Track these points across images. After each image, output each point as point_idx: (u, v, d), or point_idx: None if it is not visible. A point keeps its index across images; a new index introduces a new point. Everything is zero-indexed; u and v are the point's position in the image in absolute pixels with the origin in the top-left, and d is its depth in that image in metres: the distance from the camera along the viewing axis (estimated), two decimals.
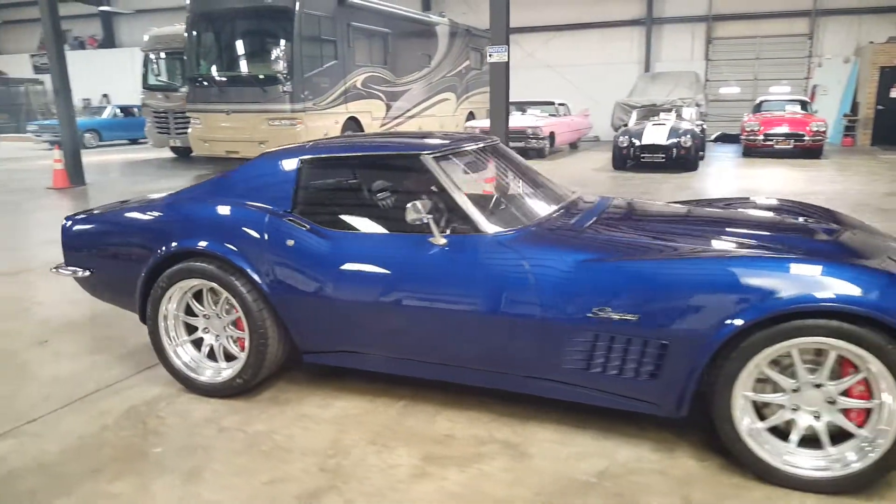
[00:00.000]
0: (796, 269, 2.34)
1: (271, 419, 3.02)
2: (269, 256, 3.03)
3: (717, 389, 2.42)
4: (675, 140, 12.44)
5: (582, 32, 21.32)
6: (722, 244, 2.81)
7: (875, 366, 2.24)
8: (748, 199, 3.91)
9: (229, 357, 3.28)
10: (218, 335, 3.27)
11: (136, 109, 21.19)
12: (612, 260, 2.61)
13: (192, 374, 3.25)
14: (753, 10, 19.48)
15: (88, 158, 17.09)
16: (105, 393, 3.32)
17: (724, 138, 19.41)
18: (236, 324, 3.21)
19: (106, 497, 2.45)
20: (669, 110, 14.69)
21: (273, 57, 11.89)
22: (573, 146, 18.40)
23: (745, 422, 2.43)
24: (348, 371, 3.42)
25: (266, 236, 3.04)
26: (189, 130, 13.45)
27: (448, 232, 2.90)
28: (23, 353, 3.88)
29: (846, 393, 2.35)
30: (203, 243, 3.10)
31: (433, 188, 3.01)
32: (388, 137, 3.42)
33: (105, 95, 27.64)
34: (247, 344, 3.11)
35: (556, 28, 21.59)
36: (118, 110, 22.06)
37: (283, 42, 12.00)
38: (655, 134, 12.68)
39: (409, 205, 2.73)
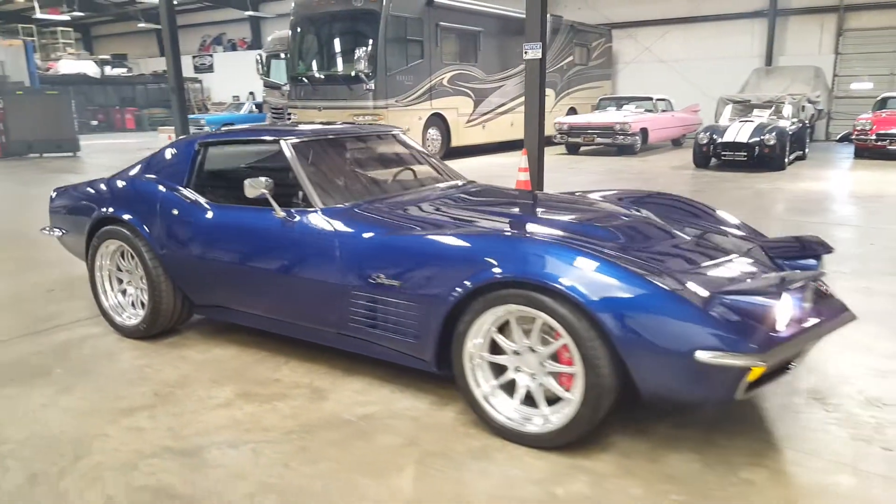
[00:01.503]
0: (511, 245, 2.64)
1: (157, 357, 3.67)
2: (160, 223, 3.68)
3: (454, 349, 2.75)
4: (758, 138, 11.90)
5: (699, 26, 20.54)
6: (502, 224, 3.12)
7: (566, 336, 2.47)
8: (713, 210, 3.76)
9: None
10: (136, 287, 3.97)
11: None
12: (387, 234, 3.00)
13: (114, 316, 3.98)
14: None
15: None
16: (59, 329, 4.13)
17: (850, 138, 17.94)
18: None
19: None
20: (769, 107, 13.96)
21: (357, 57, 12.76)
22: (676, 143, 17.86)
23: (473, 377, 2.74)
24: (244, 327, 3.99)
25: (159, 206, 3.70)
26: None
27: (300, 206, 3.39)
28: (30, 297, 4.84)
29: (556, 358, 2.59)
30: (114, 211, 3.82)
31: (286, 168, 3.50)
32: (267, 126, 3.95)
33: (251, 93, 30.26)
34: (147, 296, 3.78)
35: (671, 21, 20.96)
36: (254, 106, 24.24)
37: (368, 42, 12.84)
38: (738, 131, 12.19)
39: (245, 181, 3.25)
